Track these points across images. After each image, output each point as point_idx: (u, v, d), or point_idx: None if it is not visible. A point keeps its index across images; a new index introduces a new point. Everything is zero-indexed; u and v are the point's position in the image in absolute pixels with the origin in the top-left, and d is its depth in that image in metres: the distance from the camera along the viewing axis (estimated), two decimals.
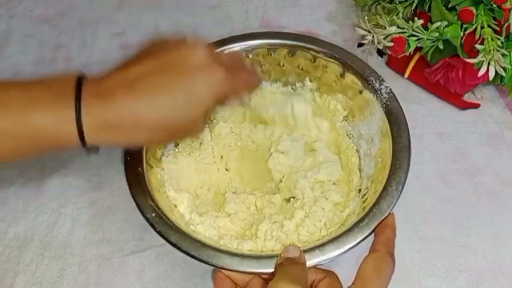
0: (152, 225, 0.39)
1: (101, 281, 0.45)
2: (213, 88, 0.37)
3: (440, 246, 0.46)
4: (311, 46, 0.49)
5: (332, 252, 0.38)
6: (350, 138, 0.50)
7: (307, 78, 0.51)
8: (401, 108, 0.45)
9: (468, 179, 0.51)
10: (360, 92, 0.48)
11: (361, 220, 0.39)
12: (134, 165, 0.42)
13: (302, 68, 0.51)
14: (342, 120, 0.51)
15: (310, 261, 0.37)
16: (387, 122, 0.45)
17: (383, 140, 0.45)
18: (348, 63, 0.48)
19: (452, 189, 0.50)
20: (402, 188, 0.41)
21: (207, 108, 0.38)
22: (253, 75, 0.45)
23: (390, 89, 0.46)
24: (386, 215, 0.39)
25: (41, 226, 0.48)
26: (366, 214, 0.39)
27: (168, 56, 0.37)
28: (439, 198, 0.49)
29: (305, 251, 0.38)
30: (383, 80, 0.47)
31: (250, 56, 0.50)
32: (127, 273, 0.46)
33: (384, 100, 0.46)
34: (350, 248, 0.38)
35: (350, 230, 0.39)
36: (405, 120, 0.45)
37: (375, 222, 0.39)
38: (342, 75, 0.49)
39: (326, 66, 0.50)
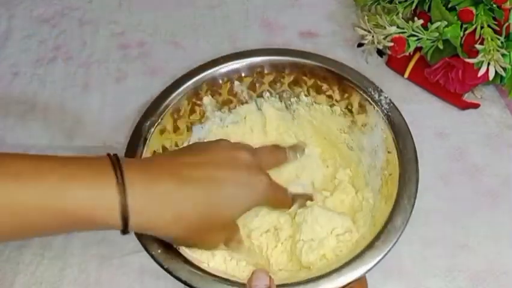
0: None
1: (101, 281, 0.45)
2: (257, 197, 0.39)
3: (440, 246, 0.46)
4: (305, 61, 0.49)
5: (350, 274, 0.36)
6: (351, 150, 0.49)
7: (302, 93, 0.50)
8: (403, 118, 0.44)
9: (468, 179, 0.51)
10: (360, 105, 0.47)
11: (376, 238, 0.38)
12: None
13: (297, 83, 0.50)
14: (342, 133, 0.50)
15: (327, 285, 0.36)
16: (390, 133, 0.44)
17: (388, 152, 0.44)
18: (345, 75, 0.47)
19: (452, 189, 0.50)
20: (414, 202, 0.40)
21: (242, 212, 0.39)
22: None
23: (390, 99, 0.45)
24: (401, 231, 0.38)
25: None
26: (381, 231, 0.38)
27: (217, 154, 0.38)
28: (439, 198, 0.49)
29: (322, 276, 0.36)
30: (381, 91, 0.46)
31: (243, 74, 0.50)
32: (127, 273, 0.45)
33: (385, 111, 0.45)
34: (369, 269, 0.36)
35: (367, 250, 0.37)
36: (409, 129, 0.44)
37: (392, 240, 0.38)
38: (339, 89, 0.48)
39: (323, 79, 0.49)
